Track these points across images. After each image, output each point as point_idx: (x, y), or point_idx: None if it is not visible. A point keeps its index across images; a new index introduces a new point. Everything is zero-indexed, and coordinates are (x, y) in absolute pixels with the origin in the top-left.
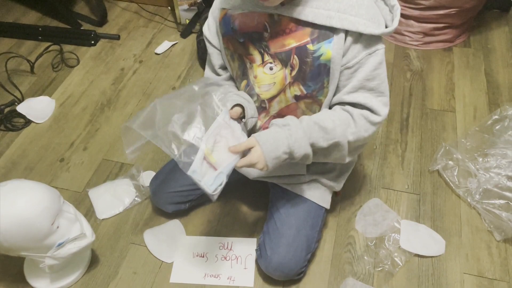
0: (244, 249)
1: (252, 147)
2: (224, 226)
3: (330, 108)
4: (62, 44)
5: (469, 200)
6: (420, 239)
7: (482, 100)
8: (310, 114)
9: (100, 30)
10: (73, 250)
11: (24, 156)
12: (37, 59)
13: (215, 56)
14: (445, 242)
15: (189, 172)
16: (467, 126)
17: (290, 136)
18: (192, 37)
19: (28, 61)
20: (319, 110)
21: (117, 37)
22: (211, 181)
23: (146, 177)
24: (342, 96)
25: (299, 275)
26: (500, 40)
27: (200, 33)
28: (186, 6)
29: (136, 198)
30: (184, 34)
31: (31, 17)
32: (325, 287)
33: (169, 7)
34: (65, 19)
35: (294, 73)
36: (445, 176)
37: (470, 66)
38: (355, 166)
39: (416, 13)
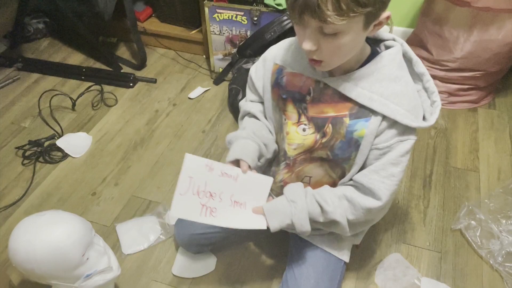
0: None
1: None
2: (243, 273)
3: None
4: (102, 85)
5: (491, 262)
6: None
7: (506, 162)
8: (332, 175)
9: (138, 74)
10: (99, 282)
11: (59, 188)
12: (78, 97)
13: (253, 93)
14: None
15: None
16: (491, 186)
17: (293, 215)
18: (224, 85)
19: (71, 98)
20: (341, 174)
21: (154, 81)
22: None
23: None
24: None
25: None
26: None
27: (232, 82)
28: (220, 56)
29: (161, 236)
30: (217, 81)
31: (76, 58)
32: None
33: (204, 56)
34: (107, 62)
35: (325, 140)
36: (467, 235)
37: (494, 128)
38: None
39: (441, 73)
